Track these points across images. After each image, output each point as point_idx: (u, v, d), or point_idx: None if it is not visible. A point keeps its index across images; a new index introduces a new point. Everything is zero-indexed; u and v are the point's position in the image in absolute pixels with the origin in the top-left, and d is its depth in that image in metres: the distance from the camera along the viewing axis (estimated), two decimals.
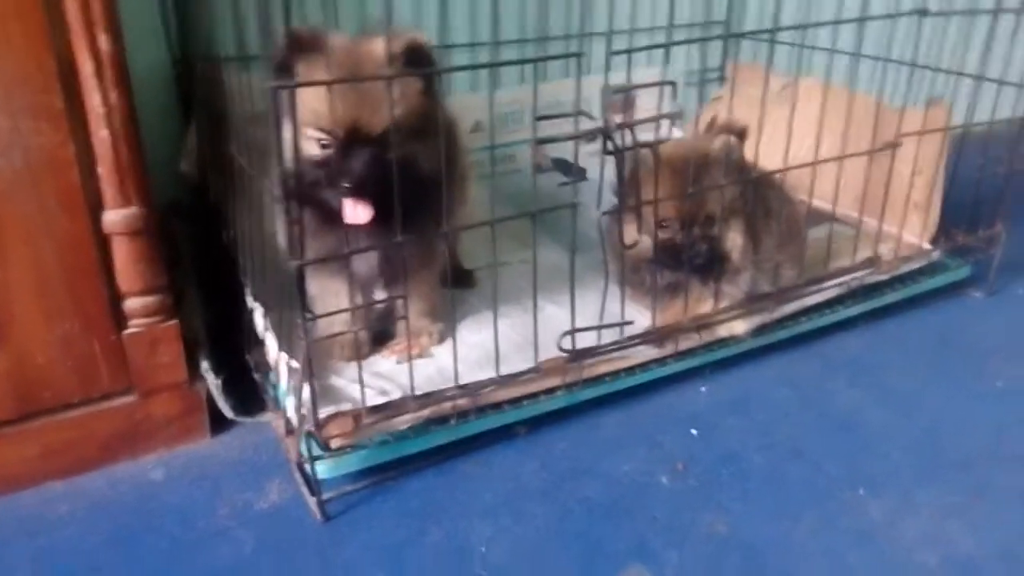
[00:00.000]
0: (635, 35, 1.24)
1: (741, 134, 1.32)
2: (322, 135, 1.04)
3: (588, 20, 1.01)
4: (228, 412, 1.25)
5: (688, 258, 1.29)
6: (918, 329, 1.56)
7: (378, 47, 1.02)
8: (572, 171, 1.93)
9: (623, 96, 1.22)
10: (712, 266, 1.32)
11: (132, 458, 1.20)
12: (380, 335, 1.31)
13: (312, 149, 1.06)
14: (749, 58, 1.98)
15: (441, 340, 1.31)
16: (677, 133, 1.89)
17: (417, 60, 1.05)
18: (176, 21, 1.56)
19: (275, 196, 1.03)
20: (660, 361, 1.33)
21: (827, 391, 1.37)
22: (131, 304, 1.13)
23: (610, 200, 1.29)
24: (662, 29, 1.96)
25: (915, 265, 1.59)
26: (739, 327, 1.36)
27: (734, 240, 1.33)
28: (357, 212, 1.05)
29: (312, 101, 0.99)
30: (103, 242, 1.09)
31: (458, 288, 1.42)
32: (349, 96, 1.00)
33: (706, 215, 1.30)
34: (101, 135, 1.05)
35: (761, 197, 1.38)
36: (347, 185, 1.02)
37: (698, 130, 1.92)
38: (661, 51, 1.20)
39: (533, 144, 1.06)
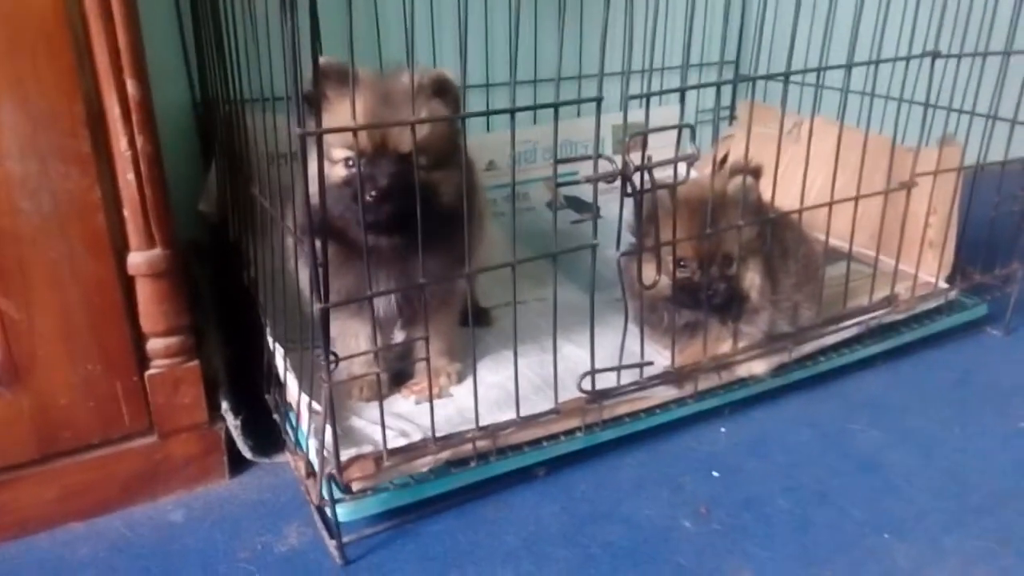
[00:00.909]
0: (647, 75, 1.25)
1: (756, 173, 1.33)
2: (350, 153, 1.06)
3: (598, 61, 1.02)
4: (247, 453, 1.24)
5: (706, 297, 1.29)
6: (937, 368, 1.56)
7: (406, 79, 1.05)
8: (585, 209, 1.96)
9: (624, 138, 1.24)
10: (730, 305, 1.32)
11: (151, 499, 1.19)
12: (398, 375, 1.31)
13: (339, 171, 1.08)
14: (758, 97, 2.00)
15: (460, 380, 1.31)
16: (693, 174, 1.91)
17: (444, 93, 1.10)
18: (197, 63, 1.59)
19: (298, 235, 1.05)
20: (679, 401, 1.32)
21: (848, 432, 1.36)
22: (153, 345, 1.13)
23: (627, 240, 1.29)
24: (675, 69, 2.01)
25: (932, 304, 1.59)
26: (758, 367, 1.36)
27: (752, 280, 1.33)
28: (380, 210, 1.06)
29: (343, 120, 1.01)
30: (127, 284, 1.10)
31: (475, 327, 1.42)
32: (379, 115, 1.05)
33: (724, 255, 1.30)
34: (127, 178, 1.06)
35: (778, 237, 1.38)
36: (373, 194, 1.03)
37: (713, 168, 1.93)
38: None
39: (554, 185, 1.07)
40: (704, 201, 1.25)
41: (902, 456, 1.30)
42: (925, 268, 1.58)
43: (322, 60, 1.01)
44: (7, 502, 1.11)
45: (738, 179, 1.29)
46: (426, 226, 0.99)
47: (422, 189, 1.00)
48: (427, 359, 1.08)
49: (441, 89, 1.10)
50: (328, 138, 1.04)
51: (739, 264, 1.31)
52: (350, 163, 1.07)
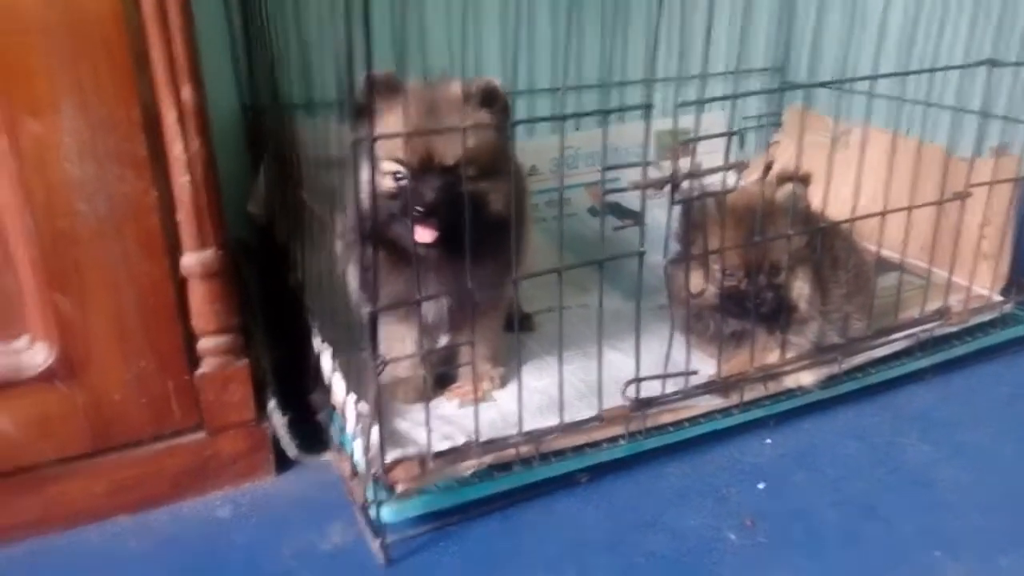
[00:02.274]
0: (685, 83, 1.23)
1: (805, 181, 1.31)
2: (397, 167, 1.07)
3: (647, 68, 1.01)
4: (292, 452, 1.26)
5: (753, 306, 1.27)
6: (989, 383, 1.52)
7: (455, 88, 1.05)
8: (627, 215, 1.95)
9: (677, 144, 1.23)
10: (778, 315, 1.30)
11: (199, 495, 1.21)
12: (440, 378, 1.31)
13: (387, 183, 1.09)
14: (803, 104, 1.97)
15: (503, 384, 1.31)
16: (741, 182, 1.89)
17: (492, 101, 1.09)
18: (246, 67, 1.62)
19: (349, 240, 1.06)
20: (724, 411, 1.30)
21: (898, 446, 1.33)
22: (204, 344, 1.15)
23: (673, 248, 1.28)
24: (718, 76, 1.99)
25: (985, 317, 1.55)
26: (806, 378, 1.34)
27: (801, 289, 1.31)
28: (424, 233, 1.07)
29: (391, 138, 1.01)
30: (180, 284, 1.12)
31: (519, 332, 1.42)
32: (424, 127, 1.05)
33: (771, 263, 1.28)
34: (182, 181, 1.08)
35: (828, 246, 1.36)
36: (419, 210, 1.04)
37: (764, 175, 1.90)
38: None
39: (601, 192, 1.07)
40: (751, 209, 1.23)
41: (954, 471, 1.27)
42: (979, 280, 1.54)
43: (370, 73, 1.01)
44: (59, 494, 1.13)
45: (787, 187, 1.27)
46: (474, 236, 0.99)
47: (470, 200, 1.00)
48: (473, 363, 1.09)
49: (489, 98, 1.10)
50: (376, 151, 1.04)
51: (787, 273, 1.29)
52: (398, 176, 1.08)
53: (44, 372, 1.07)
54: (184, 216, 1.10)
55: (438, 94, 1.10)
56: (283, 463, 1.27)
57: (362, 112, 1.01)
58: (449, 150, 1.05)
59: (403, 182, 1.08)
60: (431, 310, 1.17)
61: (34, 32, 0.95)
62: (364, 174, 0.94)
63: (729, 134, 1.11)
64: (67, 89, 0.98)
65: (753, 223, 1.23)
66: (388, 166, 1.08)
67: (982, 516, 1.17)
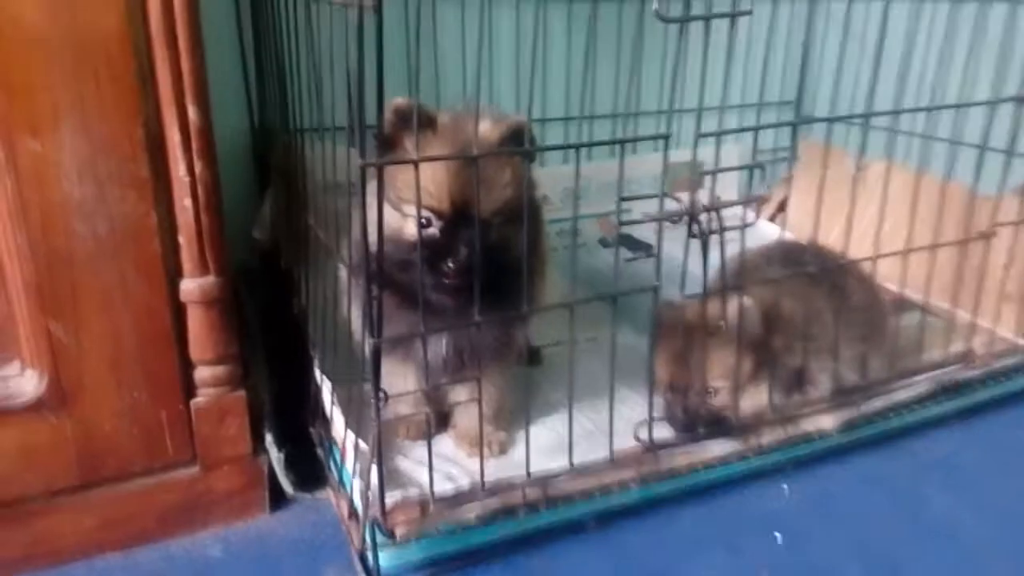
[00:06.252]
0: (703, 114, 1.18)
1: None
2: (427, 214, 0.99)
3: (645, 100, 0.98)
4: (289, 488, 1.21)
5: (690, 422, 1.22)
6: (1012, 429, 1.46)
7: (485, 128, 1.00)
8: (638, 247, 1.92)
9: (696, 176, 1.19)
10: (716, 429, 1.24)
11: (190, 532, 1.16)
12: (445, 416, 1.26)
13: (409, 229, 1.01)
14: (819, 138, 1.94)
15: (502, 452, 1.21)
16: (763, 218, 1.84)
17: (521, 143, 1.02)
18: (257, 90, 1.59)
19: (354, 273, 1.01)
20: (741, 455, 1.25)
21: (920, 495, 1.27)
22: (201, 373, 1.11)
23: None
24: (734, 109, 1.96)
25: (1009, 361, 1.50)
26: (826, 422, 1.29)
27: (751, 401, 1.24)
28: (450, 292, 1.01)
29: (423, 179, 0.94)
30: (178, 310, 1.08)
31: (527, 370, 1.37)
32: (462, 175, 0.97)
33: (702, 387, 1.22)
34: (184, 204, 1.04)
35: (841, 285, 1.31)
36: (451, 267, 0.97)
37: (776, 212, 1.84)
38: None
39: (617, 223, 1.03)
40: (688, 329, 1.19)
41: (979, 524, 1.21)
42: (1002, 324, 1.50)
43: (397, 102, 0.97)
44: (47, 528, 1.09)
45: (734, 304, 1.18)
46: (491, 281, 0.95)
47: (496, 245, 0.96)
48: (479, 400, 1.04)
49: (520, 140, 1.02)
50: (401, 192, 0.98)
51: (737, 392, 1.23)
52: (424, 223, 0.99)
53: (34, 402, 1.03)
54: (185, 240, 1.06)
55: (471, 134, 1.00)
56: (278, 500, 1.22)
57: (388, 146, 0.96)
58: (489, 200, 0.98)
59: (430, 230, 1.00)
60: (432, 355, 1.08)
61: (36, 47, 0.91)
62: (372, 212, 0.87)
63: (751, 167, 1.08)
64: (68, 107, 0.95)
65: (684, 345, 1.18)
66: (413, 210, 0.98)
67: (1009, 571, 1.12)
